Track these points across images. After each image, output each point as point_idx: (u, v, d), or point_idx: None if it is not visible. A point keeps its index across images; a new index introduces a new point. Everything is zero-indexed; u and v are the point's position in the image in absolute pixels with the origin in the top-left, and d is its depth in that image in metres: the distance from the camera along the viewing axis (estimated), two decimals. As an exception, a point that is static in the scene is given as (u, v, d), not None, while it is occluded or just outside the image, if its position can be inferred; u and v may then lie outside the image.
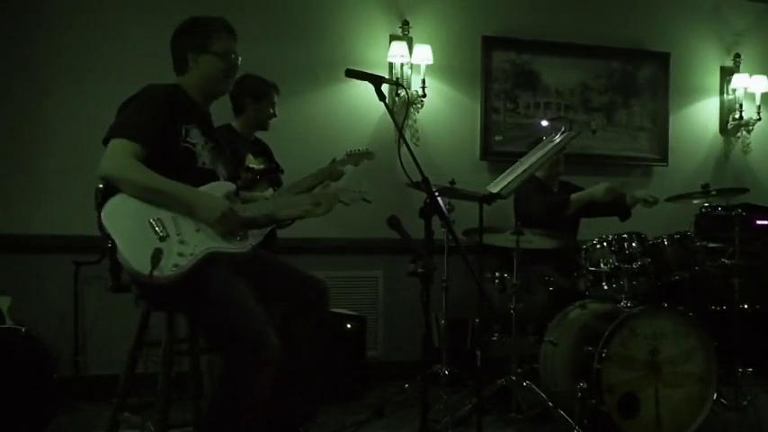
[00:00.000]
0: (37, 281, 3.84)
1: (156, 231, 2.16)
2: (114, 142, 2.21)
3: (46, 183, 3.90)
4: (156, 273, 2.06)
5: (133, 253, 2.09)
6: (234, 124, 3.58)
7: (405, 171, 2.21)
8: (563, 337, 3.39)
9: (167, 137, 2.29)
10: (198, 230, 2.23)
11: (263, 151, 3.70)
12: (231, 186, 2.42)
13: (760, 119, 5.09)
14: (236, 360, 2.14)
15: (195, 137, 2.37)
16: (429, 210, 2.29)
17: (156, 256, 2.07)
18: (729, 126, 5.16)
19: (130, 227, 2.15)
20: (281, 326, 2.44)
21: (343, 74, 2.35)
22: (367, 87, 2.32)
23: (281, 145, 3.83)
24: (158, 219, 2.18)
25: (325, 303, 2.54)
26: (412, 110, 4.45)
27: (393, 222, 2.23)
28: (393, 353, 4.40)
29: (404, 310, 4.35)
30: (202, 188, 2.31)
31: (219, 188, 2.37)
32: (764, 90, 5.05)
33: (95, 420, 3.40)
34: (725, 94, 5.16)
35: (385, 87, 2.41)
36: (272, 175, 3.63)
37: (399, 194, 3.79)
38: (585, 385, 3.04)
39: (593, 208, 3.95)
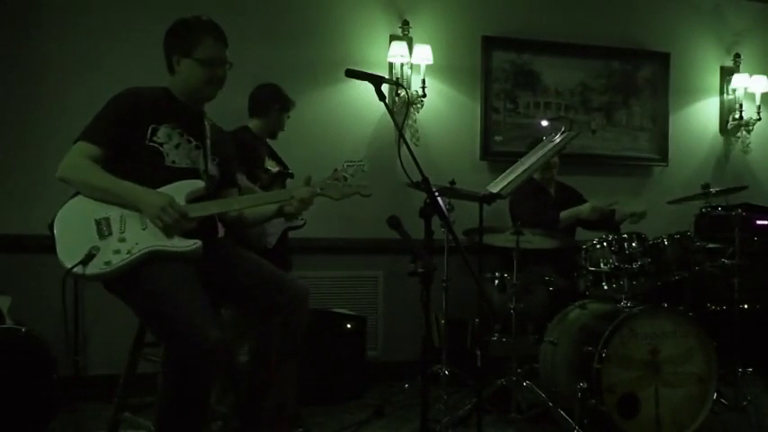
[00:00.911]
0: (37, 281, 3.83)
1: (98, 230, 2.21)
2: (74, 145, 2.31)
3: (46, 183, 3.86)
4: (77, 269, 2.12)
5: (67, 251, 2.17)
6: (251, 126, 3.61)
7: (405, 171, 2.21)
8: (563, 337, 3.39)
9: (129, 137, 2.32)
10: (144, 229, 2.24)
11: (273, 154, 3.74)
12: (198, 185, 2.39)
13: (760, 119, 5.09)
14: (174, 354, 2.12)
15: (165, 136, 2.36)
16: (429, 210, 2.29)
17: (91, 254, 2.14)
18: (729, 126, 5.16)
19: (75, 226, 2.21)
20: (250, 327, 2.43)
21: (343, 74, 2.35)
22: (367, 87, 2.32)
23: (282, 145, 3.84)
24: (105, 217, 2.23)
25: (298, 307, 2.41)
26: (412, 110, 4.45)
27: (393, 222, 2.23)
28: (393, 353, 4.40)
29: (404, 310, 4.35)
30: (165, 187, 2.31)
31: (183, 187, 2.35)
32: (764, 90, 5.05)
33: (95, 420, 3.40)
34: (725, 94, 5.16)
35: (385, 87, 2.41)
36: (284, 177, 3.66)
37: (399, 194, 3.79)
38: (585, 385, 3.04)
39: (583, 223, 4.03)
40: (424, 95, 4.39)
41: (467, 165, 4.57)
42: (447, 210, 3.47)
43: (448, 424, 3.23)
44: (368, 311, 4.28)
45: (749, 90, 5.06)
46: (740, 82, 5.04)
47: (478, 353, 3.23)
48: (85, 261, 2.12)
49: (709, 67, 5.15)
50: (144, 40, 3.93)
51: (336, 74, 3.97)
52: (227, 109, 3.52)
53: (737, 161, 5.20)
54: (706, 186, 3.75)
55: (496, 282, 3.65)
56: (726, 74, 5.15)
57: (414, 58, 4.36)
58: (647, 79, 4.97)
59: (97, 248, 2.16)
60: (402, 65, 4.39)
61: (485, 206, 3.06)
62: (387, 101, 2.33)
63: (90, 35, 3.98)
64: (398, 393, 3.74)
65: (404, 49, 4.34)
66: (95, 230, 2.21)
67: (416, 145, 4.42)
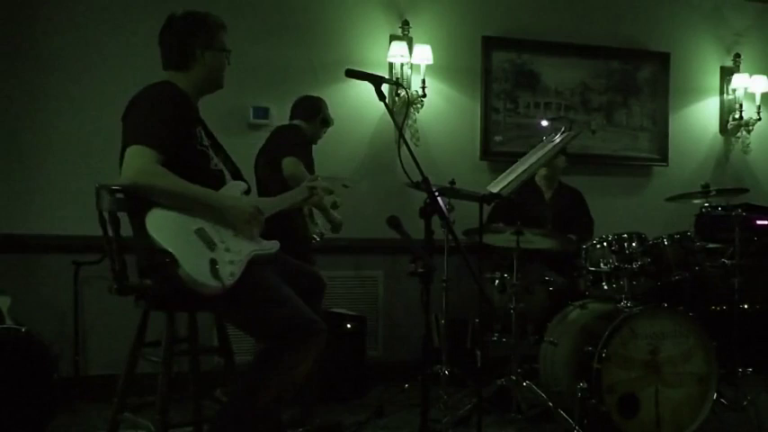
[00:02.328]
0: (37, 281, 3.84)
1: (204, 242, 2.17)
2: (135, 149, 2.17)
3: (46, 183, 3.90)
4: (216, 283, 2.10)
5: (194, 267, 2.10)
6: (300, 126, 3.65)
7: (405, 171, 2.21)
8: (563, 337, 3.39)
9: (184, 142, 2.28)
10: (236, 235, 2.26)
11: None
12: (243, 187, 2.44)
13: (760, 119, 5.09)
14: (293, 348, 2.24)
15: (204, 138, 2.39)
16: (429, 210, 2.29)
17: (214, 267, 2.11)
18: (729, 126, 5.16)
19: (180, 240, 2.14)
20: None
21: (343, 74, 2.36)
22: (367, 87, 2.32)
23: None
24: (200, 228, 2.19)
25: (321, 298, 2.66)
26: (412, 110, 4.45)
27: (393, 222, 2.23)
28: (393, 353, 4.40)
29: (404, 310, 4.35)
30: (222, 190, 2.34)
31: (236, 188, 2.40)
32: (764, 90, 5.05)
33: (95, 420, 3.41)
34: (725, 94, 5.16)
35: (385, 87, 2.41)
36: None
37: (399, 194, 3.79)
38: (585, 385, 3.04)
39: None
40: (424, 95, 4.39)
41: (467, 165, 4.57)
42: (447, 210, 3.47)
43: (448, 424, 3.23)
44: (368, 311, 4.27)
45: (749, 90, 5.05)
46: (740, 82, 5.04)
47: (478, 353, 3.23)
48: (216, 274, 2.10)
49: (709, 67, 5.15)
50: (144, 39, 3.92)
51: (336, 74, 3.97)
52: (227, 108, 3.54)
53: (737, 161, 5.20)
54: (706, 186, 3.74)
55: (496, 282, 3.65)
56: (726, 74, 5.14)
57: (414, 58, 4.36)
58: (647, 79, 4.97)
59: (215, 261, 2.13)
60: (402, 65, 4.39)
61: (485, 206, 3.06)
62: (387, 101, 2.33)
63: (90, 35, 3.97)
64: (398, 393, 3.73)
65: (404, 49, 4.34)
66: (201, 243, 2.16)
67: (416, 145, 4.42)
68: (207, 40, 2.41)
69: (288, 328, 2.23)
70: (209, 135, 2.47)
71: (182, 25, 2.41)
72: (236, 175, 2.53)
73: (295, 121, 3.73)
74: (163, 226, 2.14)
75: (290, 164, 3.40)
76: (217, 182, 2.35)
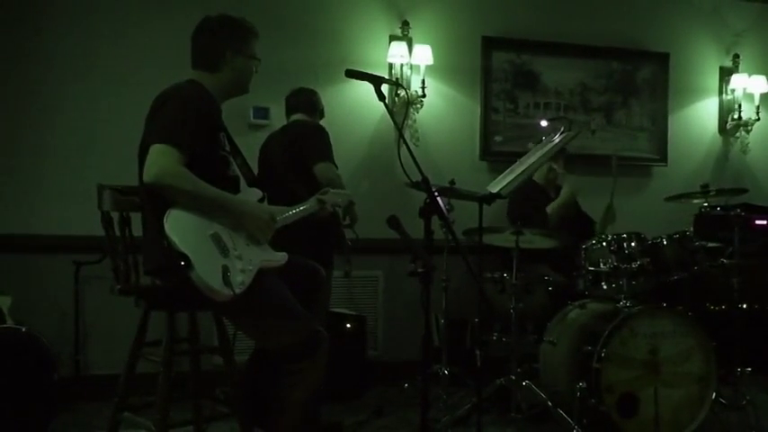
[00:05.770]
0: (37, 281, 3.84)
1: (218, 247, 2.17)
2: (160, 148, 2.14)
3: (46, 183, 3.90)
4: (228, 291, 2.11)
5: (207, 272, 2.09)
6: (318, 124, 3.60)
7: (405, 171, 2.21)
8: (562, 336, 3.39)
9: (207, 146, 2.28)
10: (248, 244, 2.27)
11: None
12: (259, 193, 2.46)
13: (759, 119, 5.09)
14: (304, 358, 2.31)
15: (226, 144, 2.40)
16: (429, 210, 2.29)
17: (226, 274, 2.11)
18: (728, 126, 5.17)
19: (196, 244, 2.13)
20: None
21: (343, 74, 2.36)
22: (367, 87, 2.32)
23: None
24: (215, 233, 2.19)
25: (325, 296, 2.78)
26: (412, 110, 4.45)
27: (393, 222, 2.23)
28: (393, 353, 4.40)
29: (404, 310, 4.35)
30: (238, 197, 2.36)
31: (252, 196, 2.42)
32: (763, 90, 5.05)
33: (95, 420, 3.41)
34: (724, 95, 5.16)
35: (385, 88, 2.42)
36: None
37: (399, 194, 3.79)
38: (585, 385, 3.05)
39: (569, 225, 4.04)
40: (424, 96, 4.39)
41: (467, 165, 4.57)
42: (447, 210, 3.47)
43: (448, 424, 3.24)
44: (368, 311, 4.28)
45: (748, 90, 5.06)
46: (739, 82, 5.05)
47: (478, 353, 3.23)
48: (227, 281, 2.11)
49: (709, 67, 5.16)
50: (147, 40, 3.94)
51: (336, 74, 3.96)
52: (227, 108, 3.52)
53: (736, 161, 5.20)
54: (705, 186, 3.74)
55: (496, 282, 3.65)
56: (725, 74, 5.15)
57: (413, 59, 4.36)
58: (647, 79, 4.98)
59: (227, 267, 2.13)
60: (402, 65, 4.39)
61: (485, 206, 3.06)
62: (386, 101, 2.34)
63: (90, 35, 3.97)
64: (398, 393, 3.74)
65: (404, 50, 4.35)
66: (215, 248, 2.16)
67: (416, 145, 4.42)
68: (238, 44, 2.43)
69: (292, 342, 2.29)
70: (230, 140, 2.47)
71: (215, 27, 2.43)
72: (252, 181, 2.53)
73: (297, 116, 3.67)
74: (180, 228, 2.13)
75: (326, 170, 3.31)
76: (232, 188, 2.36)
